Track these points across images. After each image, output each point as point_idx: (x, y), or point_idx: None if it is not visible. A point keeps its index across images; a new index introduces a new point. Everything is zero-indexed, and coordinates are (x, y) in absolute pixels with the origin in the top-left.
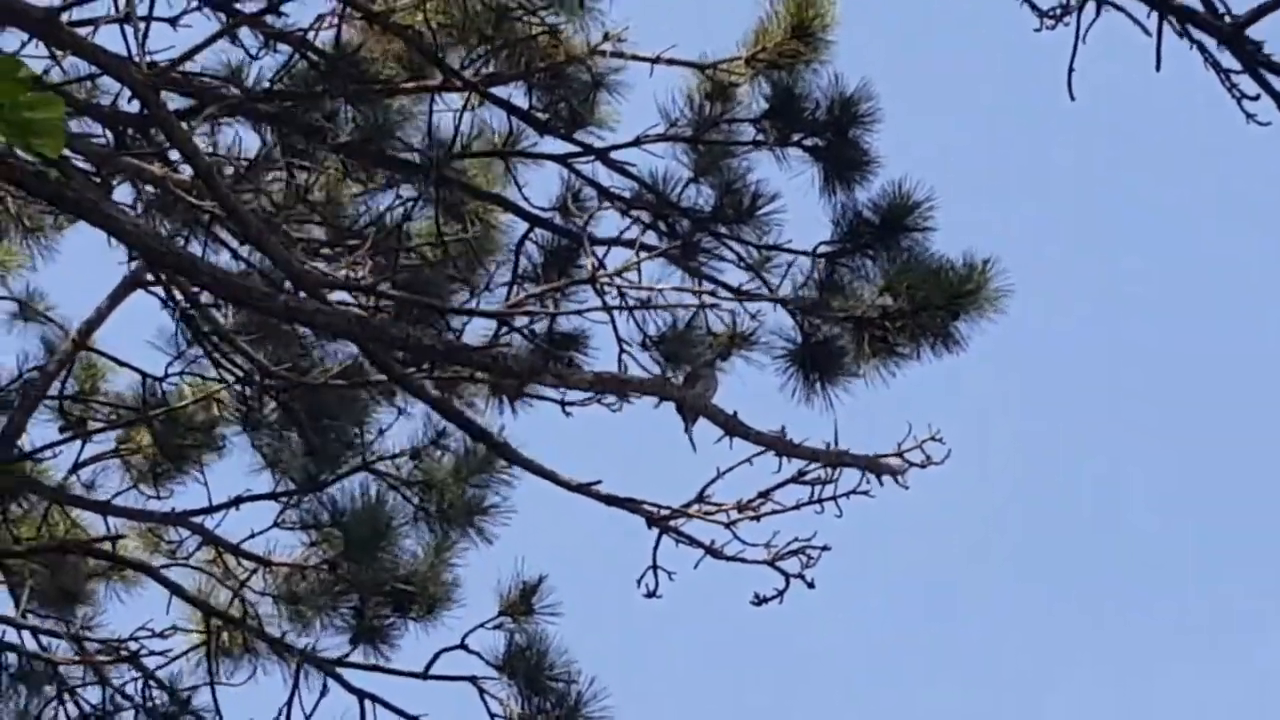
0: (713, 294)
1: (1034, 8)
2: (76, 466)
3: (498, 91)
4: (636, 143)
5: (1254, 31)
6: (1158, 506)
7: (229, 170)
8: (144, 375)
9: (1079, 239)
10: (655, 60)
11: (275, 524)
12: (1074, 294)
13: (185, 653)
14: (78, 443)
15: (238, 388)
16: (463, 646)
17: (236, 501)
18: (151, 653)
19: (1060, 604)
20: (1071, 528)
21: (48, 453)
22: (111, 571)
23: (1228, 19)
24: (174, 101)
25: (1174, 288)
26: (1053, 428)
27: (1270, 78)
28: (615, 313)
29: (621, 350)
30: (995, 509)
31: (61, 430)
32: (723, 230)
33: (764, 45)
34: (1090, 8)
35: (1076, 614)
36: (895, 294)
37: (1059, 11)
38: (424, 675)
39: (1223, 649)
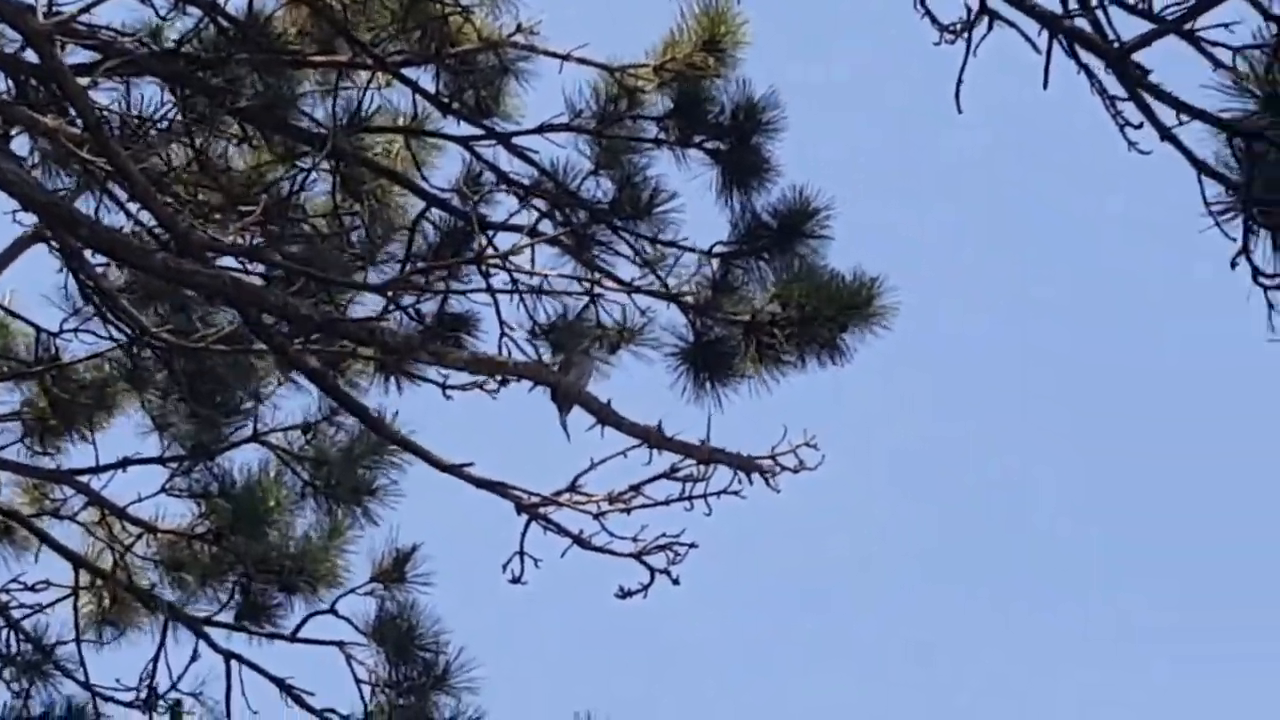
0: (604, 285)
1: (934, 21)
2: None
3: (406, 72)
4: (540, 130)
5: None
6: (1063, 512)
7: (128, 128)
8: (38, 330)
9: (980, 245)
10: (565, 57)
11: (163, 489)
12: (975, 300)
13: (53, 604)
14: None
15: (125, 347)
16: (333, 611)
17: (124, 463)
18: (21, 605)
19: (955, 605)
20: (975, 530)
21: None
22: None
23: (1116, 43)
24: (78, 55)
25: (1076, 295)
26: (957, 431)
27: (1153, 106)
28: (502, 296)
29: (503, 333)
30: (890, 513)
31: None
32: (619, 224)
33: (673, 55)
34: (985, 24)
35: (970, 615)
36: (785, 302)
37: (959, 27)
38: (292, 638)
39: (1123, 658)
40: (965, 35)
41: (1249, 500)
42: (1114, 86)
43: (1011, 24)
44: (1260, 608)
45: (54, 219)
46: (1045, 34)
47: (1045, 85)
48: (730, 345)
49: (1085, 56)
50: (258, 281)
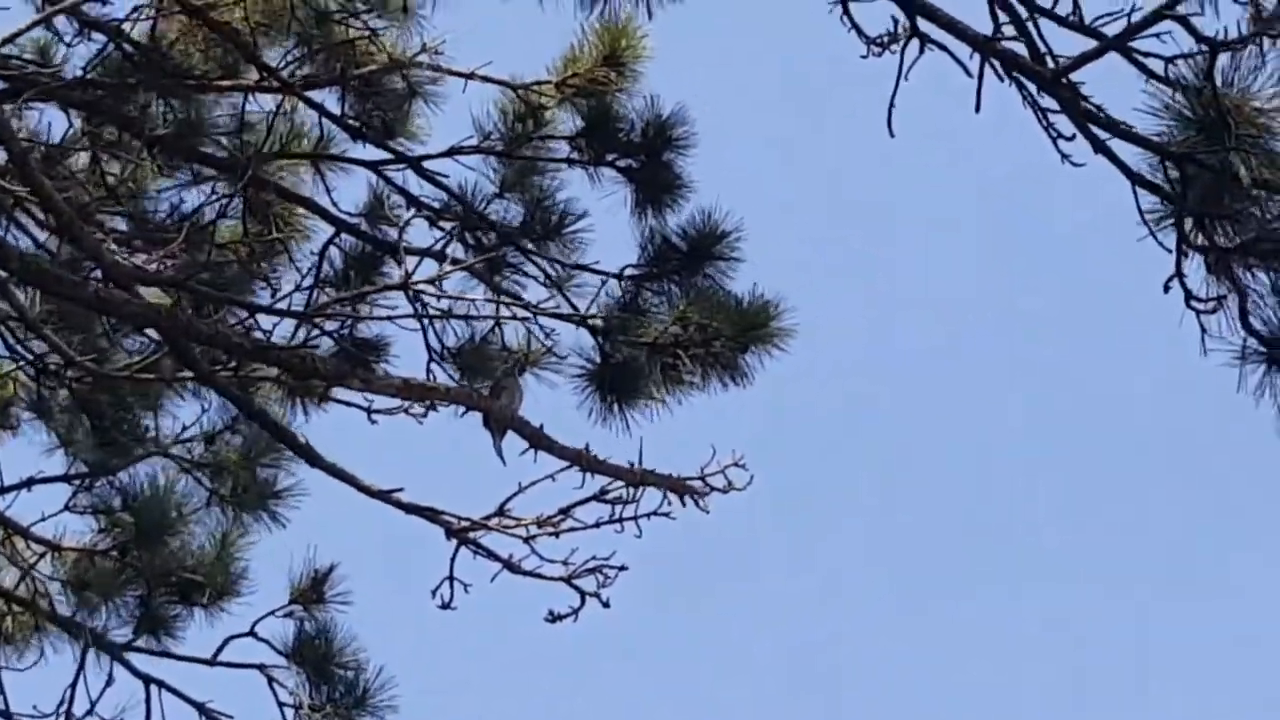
0: (513, 308)
1: (861, 34)
2: None
3: (313, 95)
4: (449, 153)
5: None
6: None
7: (43, 157)
8: None
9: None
10: (470, 75)
11: (66, 507)
12: (886, 321)
13: None
14: None
15: (32, 372)
16: (252, 634)
17: (29, 483)
18: None
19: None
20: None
21: None
22: None
23: (1051, 66)
24: None
25: (982, 316)
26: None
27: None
28: (410, 321)
29: (430, 358)
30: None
31: None
32: (529, 246)
33: (575, 71)
34: (916, 47)
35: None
36: (686, 325)
37: (886, 39)
38: (211, 662)
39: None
40: (898, 56)
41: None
42: (1046, 100)
43: (942, 46)
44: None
45: None
46: (977, 57)
47: (978, 109)
48: (638, 367)
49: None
50: (189, 312)
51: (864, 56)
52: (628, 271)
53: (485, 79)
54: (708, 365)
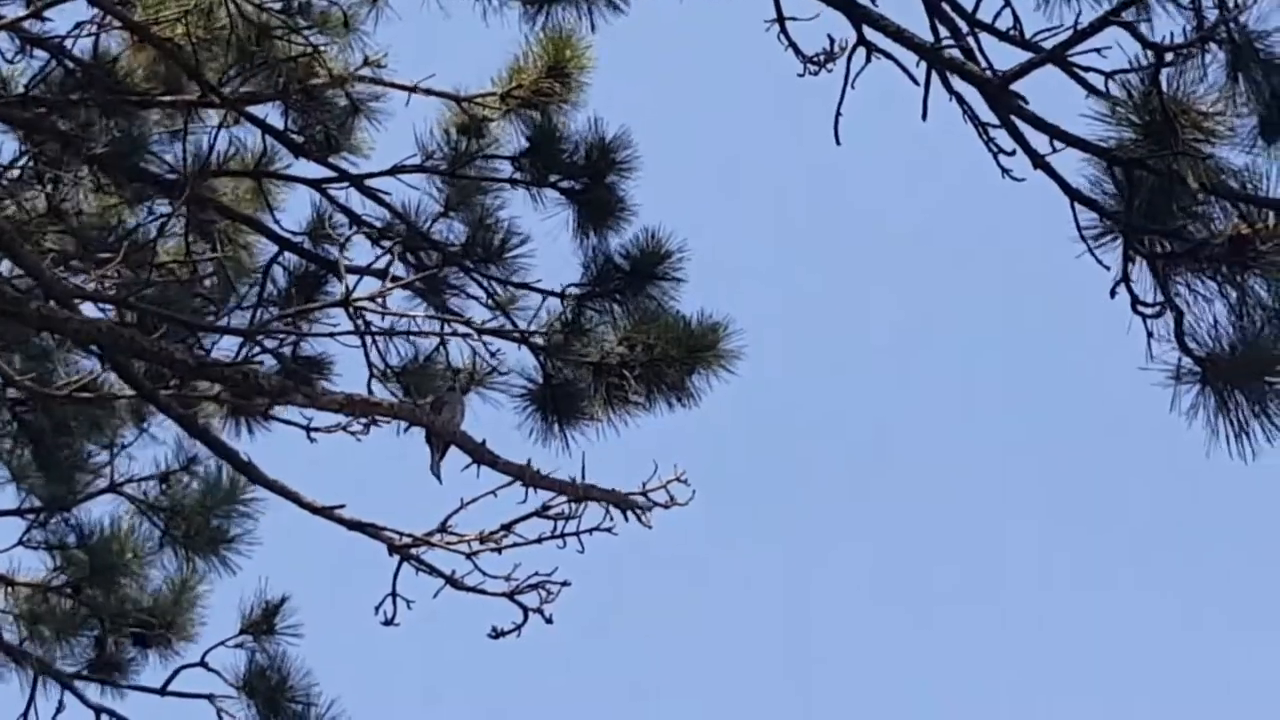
0: (456, 328)
1: (798, 53)
2: None
3: (255, 111)
4: (392, 172)
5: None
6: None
7: None
8: None
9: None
10: (412, 89)
11: (20, 542)
12: (828, 343)
13: None
14: None
15: None
16: (203, 664)
17: None
18: None
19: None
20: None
21: None
22: None
23: (993, 75)
24: None
25: (935, 333)
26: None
27: (1026, 135)
28: (353, 338)
29: (371, 375)
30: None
31: None
32: (471, 266)
33: (520, 83)
34: (861, 55)
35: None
36: (634, 345)
37: (823, 58)
38: (162, 691)
39: None
40: (845, 65)
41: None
42: (986, 114)
43: (888, 55)
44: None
45: None
46: (923, 65)
47: (924, 116)
48: (580, 387)
49: (959, 86)
50: (131, 329)
51: (801, 75)
52: (570, 290)
53: (428, 92)
54: (654, 386)
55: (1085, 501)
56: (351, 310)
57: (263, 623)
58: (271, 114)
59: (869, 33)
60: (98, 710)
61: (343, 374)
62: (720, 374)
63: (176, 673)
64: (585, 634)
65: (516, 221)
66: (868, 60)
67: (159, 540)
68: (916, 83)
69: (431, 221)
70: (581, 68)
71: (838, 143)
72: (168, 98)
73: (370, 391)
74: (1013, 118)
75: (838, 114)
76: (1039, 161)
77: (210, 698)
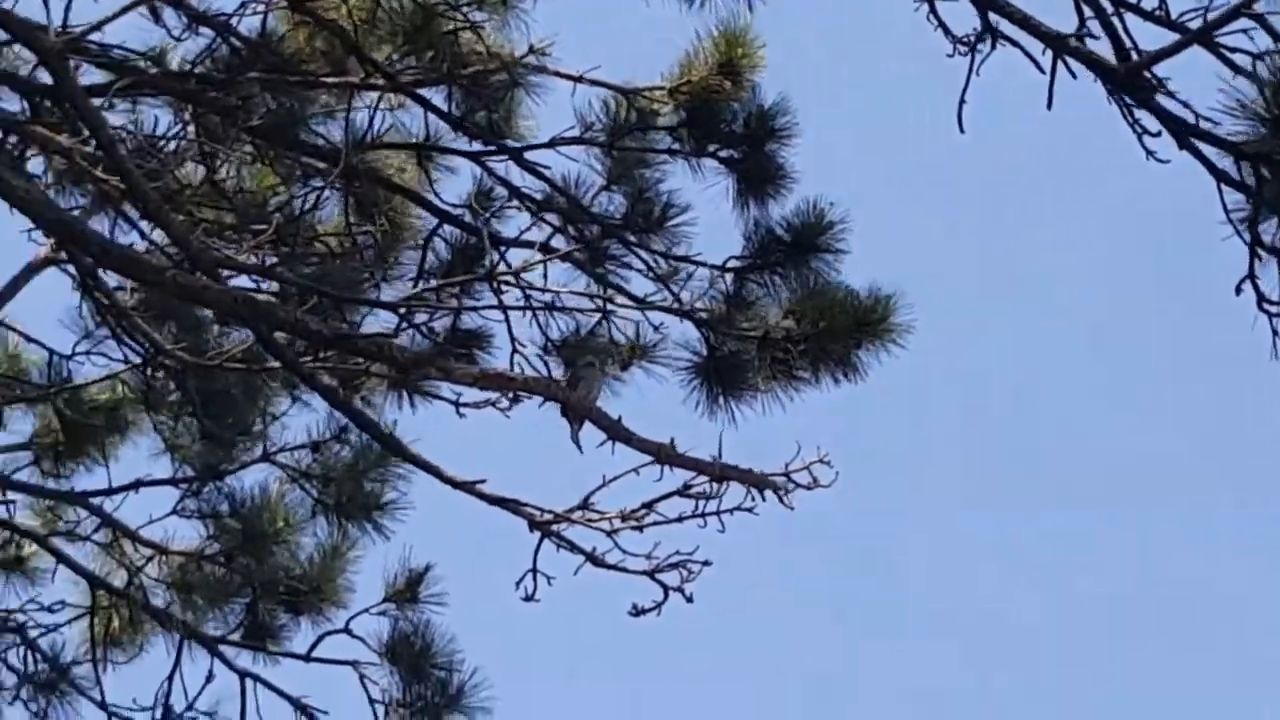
0: (614, 301)
1: (947, 33)
2: None
3: (418, 91)
4: (551, 144)
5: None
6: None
7: (140, 147)
8: (51, 353)
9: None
10: (578, 79)
11: (174, 511)
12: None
13: (69, 623)
14: None
15: (138, 368)
16: (347, 631)
17: (136, 485)
18: (37, 625)
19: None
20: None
21: None
22: (5, 548)
23: (1123, 63)
24: (91, 75)
25: (1097, 307)
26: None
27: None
28: (513, 313)
29: (515, 350)
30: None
31: None
32: (632, 239)
33: (689, 78)
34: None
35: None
36: (799, 319)
37: (973, 38)
38: (306, 658)
39: None
40: (981, 48)
41: None
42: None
43: (1015, 43)
44: None
45: (64, 237)
46: (1049, 53)
47: (1049, 105)
48: (744, 359)
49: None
50: (269, 299)
51: (950, 55)
52: (731, 264)
53: (595, 83)
54: (819, 360)
55: None
56: (495, 284)
57: (406, 591)
58: (434, 96)
59: (994, 19)
60: (242, 674)
61: (502, 348)
62: (890, 348)
63: (321, 639)
64: (726, 613)
65: (676, 191)
66: (993, 48)
67: (311, 508)
68: (1042, 71)
69: (592, 195)
70: (753, 66)
71: (961, 131)
72: (332, 78)
73: (512, 366)
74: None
75: (961, 101)
76: (1184, 142)
77: (354, 664)
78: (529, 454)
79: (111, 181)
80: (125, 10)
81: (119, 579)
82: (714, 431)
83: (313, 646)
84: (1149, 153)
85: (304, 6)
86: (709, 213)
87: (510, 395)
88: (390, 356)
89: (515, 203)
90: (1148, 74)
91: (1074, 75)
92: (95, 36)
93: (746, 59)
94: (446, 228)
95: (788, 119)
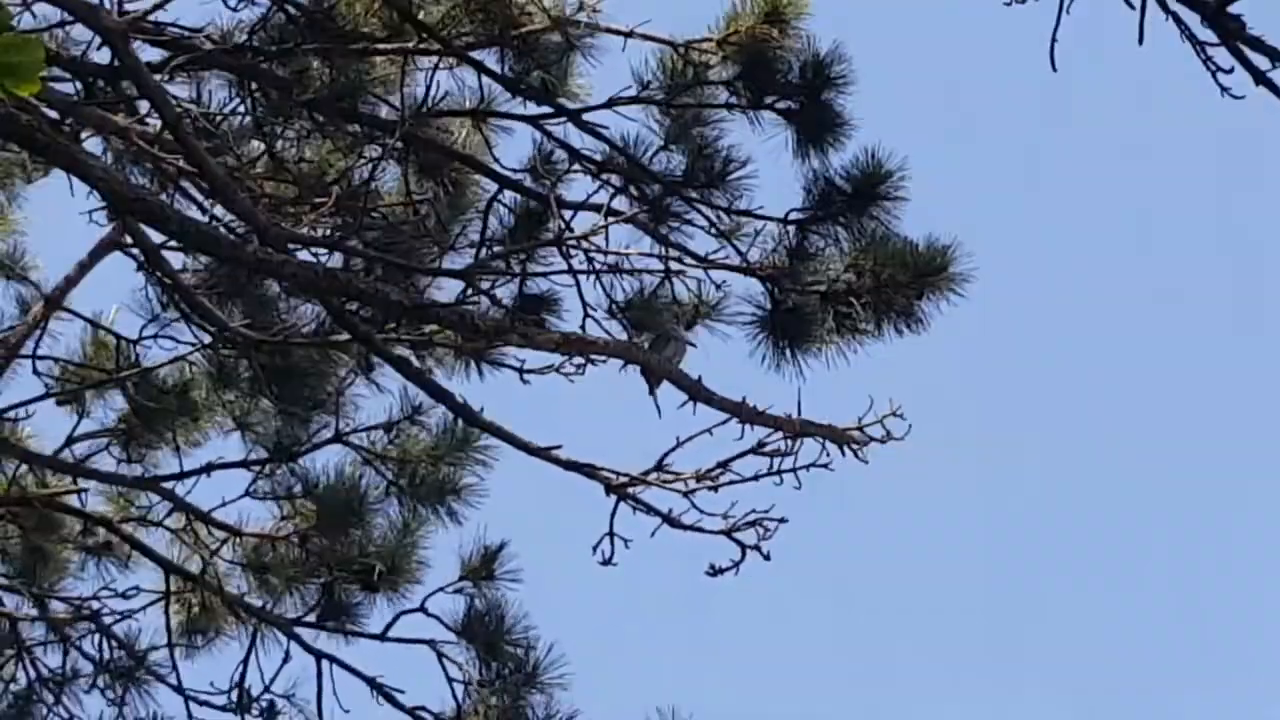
0: (680, 260)
1: None
2: (71, 441)
3: (472, 55)
4: (609, 104)
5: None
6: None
7: (200, 123)
8: (118, 338)
9: (1056, 216)
10: (629, 34)
11: (247, 493)
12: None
13: (144, 609)
14: (62, 408)
15: (207, 348)
16: (422, 610)
17: (208, 468)
18: (112, 612)
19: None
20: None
21: (22, 412)
22: (82, 535)
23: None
24: (146, 53)
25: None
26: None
27: (1246, 53)
28: (581, 276)
29: (586, 314)
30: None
31: (59, 402)
32: (693, 195)
33: (736, 29)
34: None
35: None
36: (860, 272)
37: None
38: (382, 638)
39: None
40: None
41: None
42: (1205, 35)
43: None
44: None
45: (143, 215)
46: None
47: (1140, 40)
48: (808, 313)
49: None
50: (348, 272)
51: (1008, 3)
52: (793, 216)
53: (645, 37)
54: (882, 313)
55: None
56: (565, 249)
57: (481, 569)
58: (488, 59)
59: None
60: (318, 655)
61: (570, 310)
62: (950, 298)
63: (397, 618)
64: (803, 570)
65: (736, 147)
66: None
67: (385, 489)
68: (1132, 6)
69: (651, 154)
70: (799, 13)
71: (1054, 68)
72: (387, 45)
73: (585, 330)
74: (1233, 40)
75: (1053, 39)
76: (1261, 78)
77: (431, 643)
78: (602, 419)
79: (170, 159)
80: None
81: (193, 563)
82: (780, 389)
83: (388, 626)
84: (1224, 89)
85: None
86: (768, 166)
87: (586, 359)
88: (472, 324)
89: (575, 165)
90: (1229, 12)
91: (1162, 8)
92: (152, 14)
93: (792, 6)
94: (507, 193)
95: (844, 66)
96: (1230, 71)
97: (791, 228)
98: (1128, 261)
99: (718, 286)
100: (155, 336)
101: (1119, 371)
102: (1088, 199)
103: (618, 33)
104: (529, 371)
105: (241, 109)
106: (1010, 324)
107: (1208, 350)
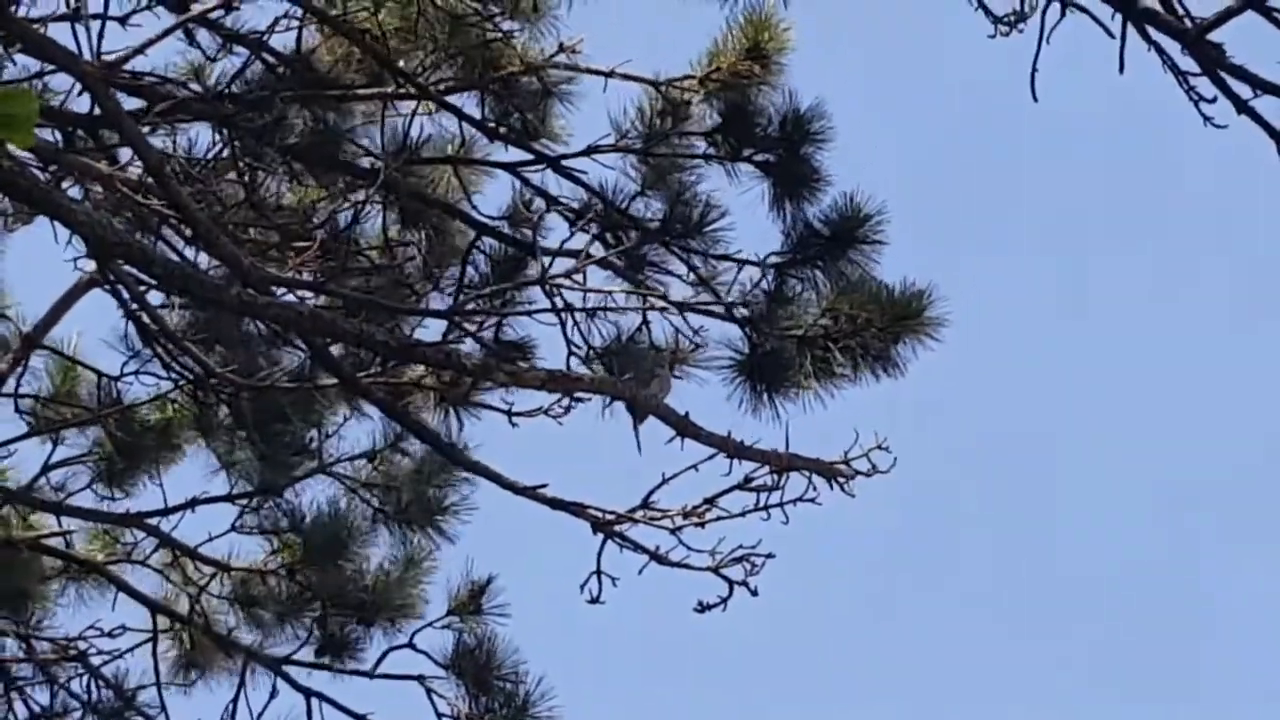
0: (656, 308)
1: (988, 13)
2: (46, 469)
3: (451, 100)
4: (588, 152)
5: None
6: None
7: (179, 169)
8: (99, 375)
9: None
10: (609, 74)
11: (233, 528)
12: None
13: (131, 649)
14: (41, 442)
15: (189, 390)
16: (410, 645)
17: (192, 504)
18: (99, 651)
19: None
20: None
21: (3, 451)
22: (66, 573)
23: (1190, 23)
24: (125, 103)
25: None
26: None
27: (1228, 81)
28: (563, 316)
29: (570, 352)
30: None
31: (36, 434)
32: (670, 241)
33: (718, 65)
34: (1054, 11)
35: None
36: (837, 316)
37: (1013, 19)
38: (371, 674)
39: None
40: (1023, 28)
41: None
42: (1186, 64)
43: (1082, 8)
44: None
45: (128, 258)
46: (1119, 17)
47: (1121, 69)
48: (786, 356)
49: (1157, 37)
50: (334, 313)
51: (991, 36)
52: (771, 259)
53: (626, 77)
54: (859, 357)
55: None
56: (548, 288)
57: (469, 603)
58: (467, 103)
59: None
60: (308, 693)
61: (546, 357)
62: (926, 342)
63: (386, 654)
64: (791, 607)
65: (714, 193)
66: (1062, 15)
67: (372, 517)
68: (1112, 35)
69: (629, 201)
70: (780, 49)
71: (1035, 99)
72: (366, 90)
73: (569, 369)
74: (1215, 68)
75: (1034, 69)
76: (1242, 106)
77: (420, 678)
78: (587, 457)
79: (152, 206)
80: (165, 35)
81: (181, 600)
82: (758, 431)
83: (378, 662)
84: (1206, 119)
85: (333, 20)
86: (744, 217)
87: (571, 398)
88: (458, 364)
89: (554, 211)
90: (1209, 39)
91: (1142, 36)
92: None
93: (773, 42)
94: (485, 240)
95: (823, 122)
96: (1213, 101)
97: (770, 272)
98: (1106, 305)
99: (695, 331)
100: (136, 374)
101: (1097, 415)
102: (1068, 238)
103: (598, 73)
104: (517, 414)
105: (220, 154)
106: (986, 368)
107: (1189, 401)
